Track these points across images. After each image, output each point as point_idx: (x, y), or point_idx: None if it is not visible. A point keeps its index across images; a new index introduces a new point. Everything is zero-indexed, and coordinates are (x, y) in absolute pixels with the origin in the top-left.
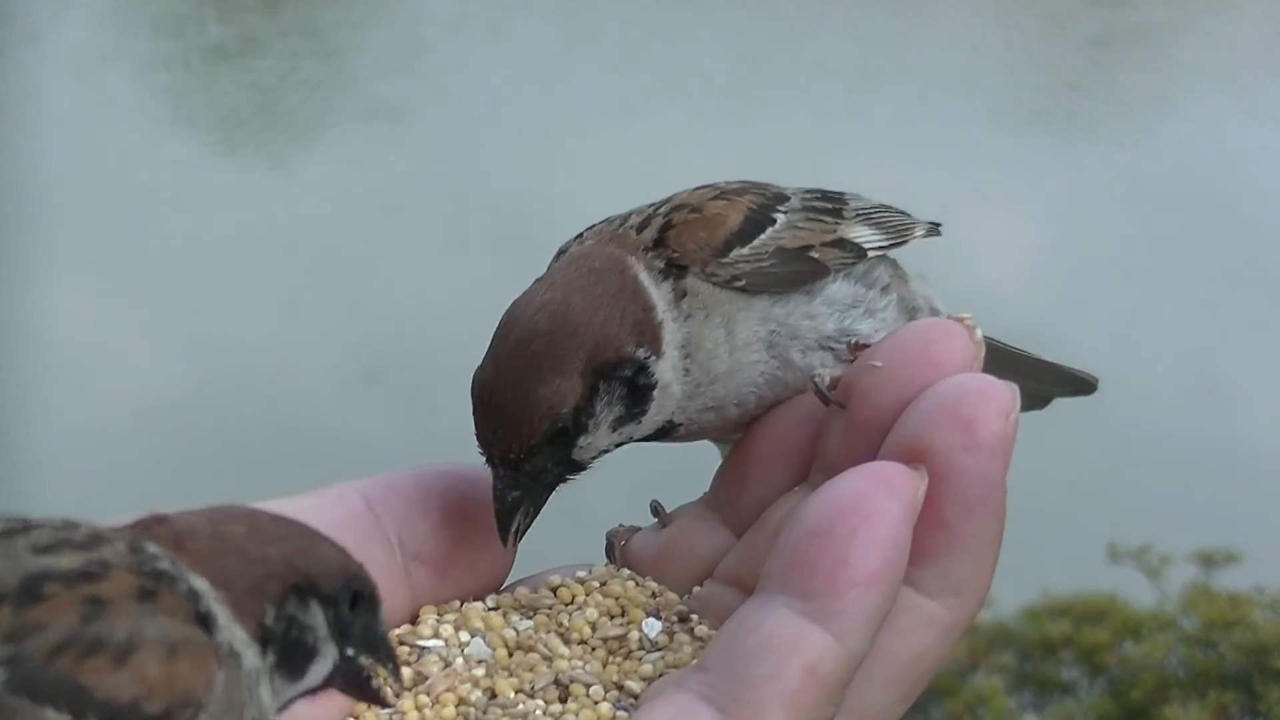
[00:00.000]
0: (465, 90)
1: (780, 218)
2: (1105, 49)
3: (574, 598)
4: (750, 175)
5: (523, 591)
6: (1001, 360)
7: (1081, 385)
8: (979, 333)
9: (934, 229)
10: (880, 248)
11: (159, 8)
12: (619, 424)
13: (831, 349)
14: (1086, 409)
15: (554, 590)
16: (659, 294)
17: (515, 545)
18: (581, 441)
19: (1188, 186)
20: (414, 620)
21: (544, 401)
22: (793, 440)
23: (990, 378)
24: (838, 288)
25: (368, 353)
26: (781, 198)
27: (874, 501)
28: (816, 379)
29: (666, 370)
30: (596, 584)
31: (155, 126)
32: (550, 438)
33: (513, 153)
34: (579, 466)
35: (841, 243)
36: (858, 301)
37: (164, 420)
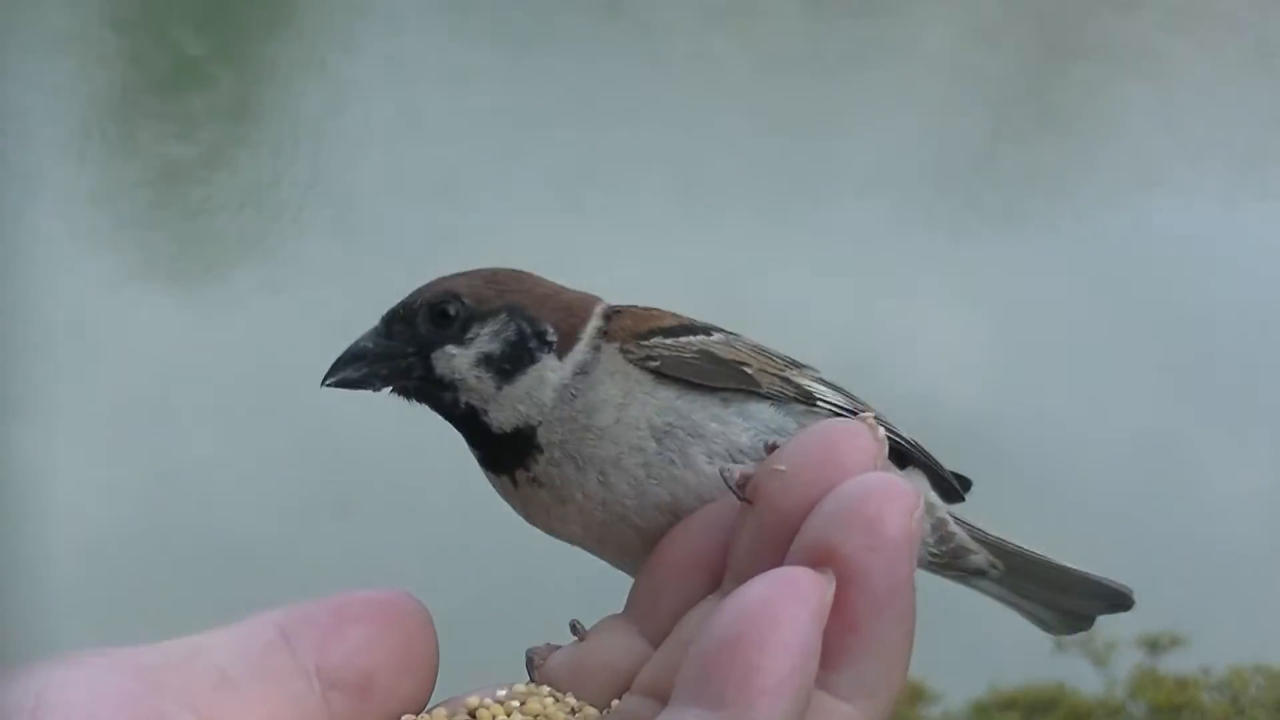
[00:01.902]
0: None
1: (719, 335)
2: (1041, 139)
3: (494, 717)
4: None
5: (441, 713)
6: (1029, 571)
7: (1118, 599)
8: (881, 431)
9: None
10: (833, 405)
11: (111, 141)
12: (486, 363)
13: (743, 460)
14: (1030, 496)
15: (473, 712)
16: (591, 329)
17: (327, 386)
18: (450, 347)
19: (1130, 271)
20: None
21: (454, 285)
22: (705, 548)
23: (893, 476)
24: (762, 408)
25: (339, 480)
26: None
27: (782, 607)
28: (725, 473)
29: (554, 369)
30: (516, 703)
31: (102, 258)
32: (433, 312)
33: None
34: (430, 373)
35: (786, 380)
36: (783, 430)
37: (123, 557)
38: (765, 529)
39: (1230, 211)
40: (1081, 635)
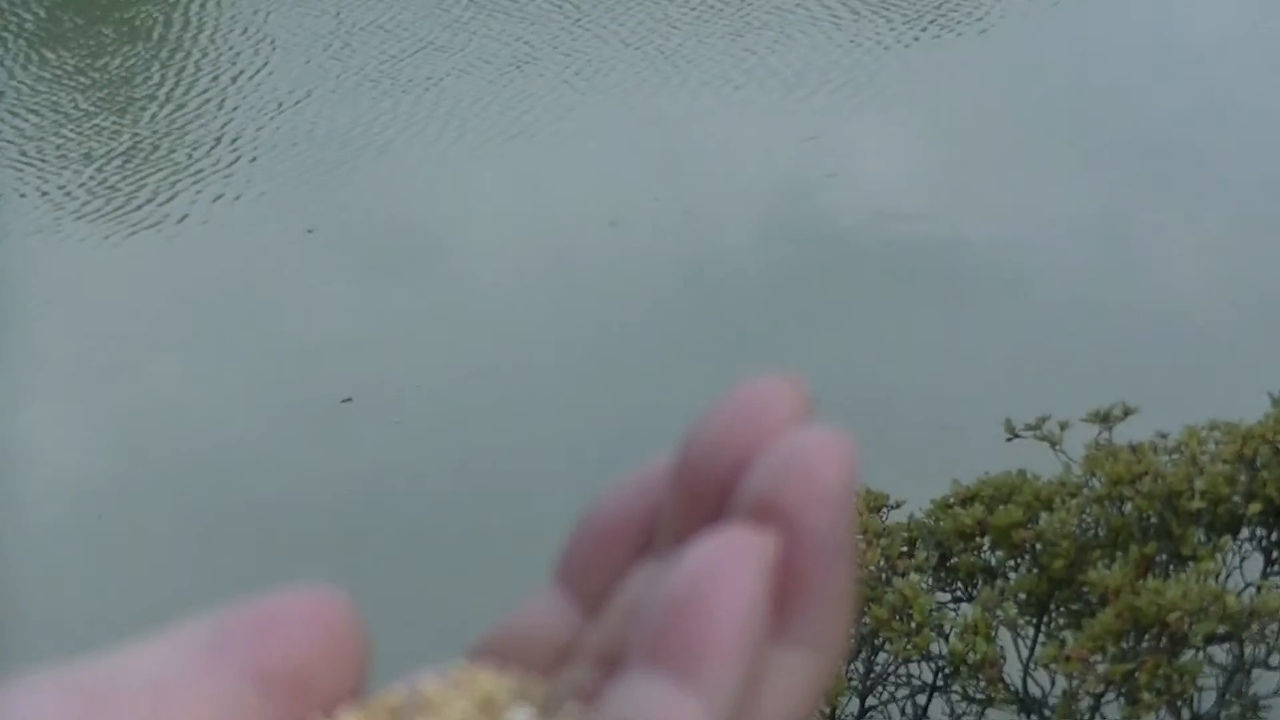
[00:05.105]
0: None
1: None
2: None
3: (436, 698)
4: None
5: (386, 698)
6: None
7: None
8: (806, 385)
9: None
10: None
11: None
12: None
13: None
14: (984, 296)
15: (417, 693)
16: None
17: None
18: None
19: (1062, 59)
20: None
21: None
22: (635, 514)
23: (826, 431)
24: None
25: (331, 376)
26: None
27: (729, 567)
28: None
29: None
30: (459, 681)
31: (37, 198)
32: None
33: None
34: None
35: None
36: None
37: (110, 497)
38: (698, 491)
39: None
40: (1034, 419)
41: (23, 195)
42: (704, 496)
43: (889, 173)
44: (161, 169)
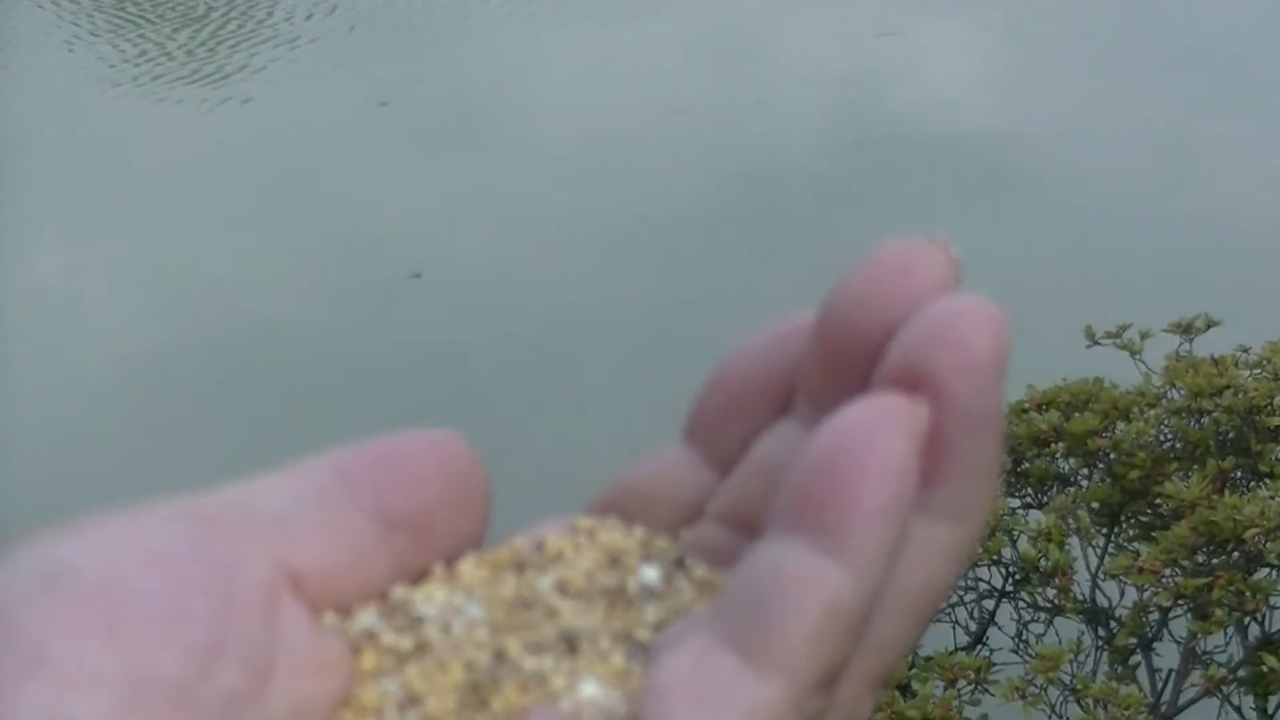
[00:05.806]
0: None
1: None
2: None
3: (562, 551)
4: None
5: (510, 548)
6: None
7: None
8: (956, 249)
9: None
10: None
11: None
12: None
13: None
14: (1051, 204)
15: (541, 545)
16: None
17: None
18: None
19: None
20: (403, 589)
21: None
22: (771, 372)
23: (978, 297)
24: None
25: (397, 254)
26: None
27: (880, 434)
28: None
29: None
30: (584, 535)
31: (89, 62)
32: None
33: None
34: None
35: None
36: None
37: (152, 365)
38: (841, 353)
39: None
40: (1115, 327)
41: (121, 51)
42: (846, 357)
43: (967, 72)
44: (259, 34)
